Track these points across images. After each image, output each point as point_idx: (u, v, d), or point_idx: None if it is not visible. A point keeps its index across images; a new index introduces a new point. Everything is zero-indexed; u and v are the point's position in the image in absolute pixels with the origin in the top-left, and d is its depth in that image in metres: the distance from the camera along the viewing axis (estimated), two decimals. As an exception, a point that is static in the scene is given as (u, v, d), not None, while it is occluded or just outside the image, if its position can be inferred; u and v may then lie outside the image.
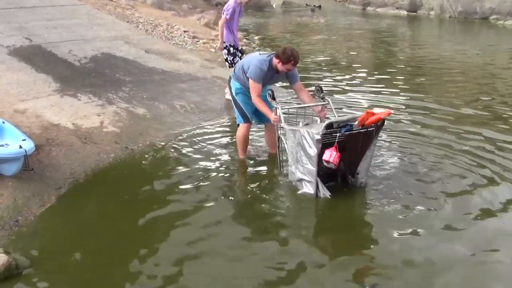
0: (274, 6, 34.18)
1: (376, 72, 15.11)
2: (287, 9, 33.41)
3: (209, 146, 8.78)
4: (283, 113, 7.60)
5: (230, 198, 7.17)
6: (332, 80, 13.75)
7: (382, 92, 12.42)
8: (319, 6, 34.76)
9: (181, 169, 7.98)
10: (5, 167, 6.91)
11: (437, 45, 20.56)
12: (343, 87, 12.97)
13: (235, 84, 8.00)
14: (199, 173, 7.81)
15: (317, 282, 5.37)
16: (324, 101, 7.83)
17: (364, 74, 14.68)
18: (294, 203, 7.05)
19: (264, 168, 8.15)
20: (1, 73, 10.73)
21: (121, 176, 7.67)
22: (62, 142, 8.32)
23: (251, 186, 7.48)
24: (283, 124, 7.42)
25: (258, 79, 7.53)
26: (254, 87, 7.56)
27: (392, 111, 8.02)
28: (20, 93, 9.87)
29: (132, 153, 8.48)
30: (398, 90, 12.52)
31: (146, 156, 8.38)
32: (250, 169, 8.10)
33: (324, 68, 15.43)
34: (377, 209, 6.76)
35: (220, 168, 8.01)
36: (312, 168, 6.88)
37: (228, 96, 8.09)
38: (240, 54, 11.07)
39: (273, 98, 7.53)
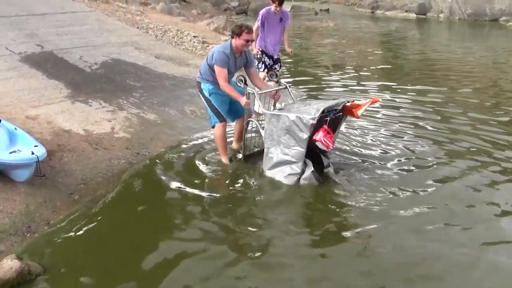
0: (288, 8, 34.23)
1: (385, 75, 15.12)
2: (296, 13, 33.43)
3: (229, 151, 8.78)
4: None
5: (242, 201, 7.21)
6: (341, 83, 13.78)
7: (391, 95, 12.45)
8: (327, 10, 34.76)
9: (193, 174, 7.99)
10: (17, 173, 6.95)
11: (446, 47, 20.53)
12: (352, 88, 13.00)
13: (206, 86, 8.18)
14: (212, 178, 7.87)
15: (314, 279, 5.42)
16: (281, 85, 8.47)
17: (373, 77, 14.69)
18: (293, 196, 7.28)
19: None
20: (13, 79, 10.80)
21: (132, 182, 7.69)
22: (73, 148, 8.36)
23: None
24: (262, 109, 7.82)
25: (223, 63, 7.82)
26: (220, 73, 7.83)
27: (379, 99, 8.40)
28: (31, 99, 9.92)
29: (143, 158, 8.50)
30: (407, 93, 12.54)
31: (157, 161, 8.40)
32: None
33: (333, 72, 15.46)
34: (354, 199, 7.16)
35: (230, 172, 8.07)
36: (302, 150, 7.35)
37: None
38: (268, 61, 10.94)
39: (246, 84, 7.91)
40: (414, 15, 30.61)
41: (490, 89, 13.20)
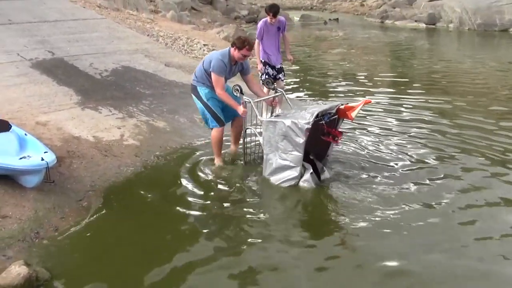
0: (296, 19, 34.25)
1: (394, 84, 15.11)
2: (306, 23, 33.45)
3: (228, 158, 8.82)
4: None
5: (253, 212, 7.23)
6: (349, 92, 13.78)
7: (400, 103, 12.46)
8: (337, 19, 34.77)
9: (199, 182, 8.01)
10: (27, 179, 6.99)
11: (456, 57, 20.51)
12: (360, 97, 13.00)
13: (203, 90, 8.31)
14: (218, 185, 7.88)
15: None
16: (277, 92, 8.73)
17: (381, 86, 14.68)
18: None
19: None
20: (24, 85, 10.86)
21: (141, 189, 7.70)
22: (83, 155, 8.41)
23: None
24: (259, 116, 8.03)
25: (221, 71, 8.00)
26: (218, 81, 7.99)
27: (372, 101, 8.52)
28: (42, 105, 9.98)
29: (152, 166, 8.54)
30: (415, 102, 12.53)
31: (166, 169, 8.43)
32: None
33: (342, 81, 15.47)
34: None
35: (233, 179, 8.09)
36: (299, 154, 7.51)
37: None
38: (272, 71, 10.88)
39: (242, 93, 8.03)
40: (424, 25, 30.54)
41: (499, 98, 13.16)
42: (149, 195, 7.54)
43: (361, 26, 32.05)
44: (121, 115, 10.11)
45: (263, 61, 10.87)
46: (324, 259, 6.02)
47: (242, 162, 8.55)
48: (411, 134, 10.09)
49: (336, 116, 7.84)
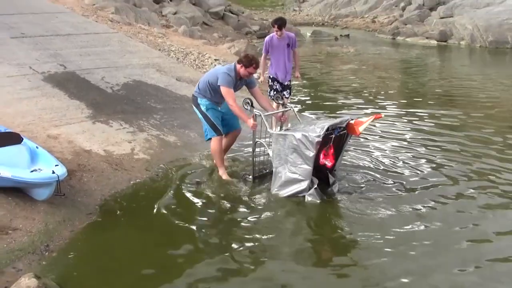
0: (308, 34, 34.28)
1: (404, 101, 15.10)
2: (317, 38, 33.48)
3: (238, 172, 8.83)
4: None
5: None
6: (359, 108, 13.77)
7: (411, 120, 12.44)
8: (348, 35, 34.79)
9: (211, 198, 8.01)
10: (37, 191, 7.01)
11: (467, 74, 20.46)
12: (371, 113, 13.00)
13: (204, 101, 8.47)
14: (228, 201, 7.87)
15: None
16: (287, 108, 8.91)
17: (392, 102, 14.65)
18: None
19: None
20: (36, 98, 10.91)
21: (151, 204, 7.69)
22: (93, 168, 8.43)
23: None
24: (269, 129, 8.09)
25: (230, 84, 8.16)
26: (228, 93, 8.11)
27: (383, 115, 8.46)
28: (53, 119, 10.02)
29: (162, 180, 8.54)
30: (425, 119, 12.51)
31: (176, 183, 8.42)
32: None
33: (352, 97, 15.45)
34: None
35: (246, 195, 8.08)
36: (309, 167, 7.56)
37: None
38: (279, 87, 10.93)
39: (252, 106, 8.12)
40: (435, 42, 30.50)
41: (508, 114, 13.14)
42: (158, 210, 7.52)
43: (372, 42, 32.06)
44: (132, 129, 10.13)
45: (271, 76, 10.92)
46: (332, 277, 6.01)
47: (249, 176, 8.55)
48: (421, 150, 10.11)
49: (345, 131, 7.87)
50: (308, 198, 7.67)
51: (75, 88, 11.89)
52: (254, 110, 8.15)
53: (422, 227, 7.05)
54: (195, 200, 7.90)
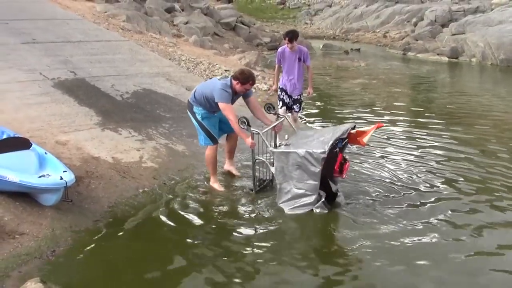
0: (319, 47, 34.28)
1: (414, 117, 15.04)
2: (328, 52, 33.47)
3: (246, 183, 8.83)
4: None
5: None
6: (369, 123, 13.73)
7: (419, 135, 12.42)
8: (358, 50, 34.79)
9: (218, 207, 8.03)
10: (45, 197, 7.02)
11: (477, 92, 20.40)
12: (378, 131, 13.03)
13: (199, 110, 8.47)
14: (236, 211, 7.91)
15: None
16: (280, 117, 8.85)
17: (401, 118, 14.60)
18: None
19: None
20: (46, 104, 10.92)
21: (158, 213, 7.72)
22: (101, 175, 8.43)
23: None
24: (270, 148, 8.00)
25: (228, 100, 8.09)
26: (228, 108, 8.06)
27: (383, 125, 8.52)
28: (62, 125, 10.03)
29: (169, 189, 8.54)
30: (434, 135, 12.48)
31: (184, 193, 8.43)
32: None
33: (361, 111, 15.41)
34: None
35: (249, 207, 8.12)
36: (316, 183, 7.52)
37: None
38: (288, 99, 10.92)
39: (249, 125, 8.05)
40: (446, 58, 30.43)
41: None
42: (164, 220, 7.55)
43: (383, 57, 32.03)
44: (140, 137, 10.13)
45: (280, 87, 10.96)
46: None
47: (251, 190, 8.56)
48: (430, 164, 10.10)
49: (347, 139, 7.85)
50: (316, 210, 7.65)
51: (84, 95, 11.90)
52: (252, 129, 8.10)
53: (431, 240, 7.04)
54: (202, 210, 7.91)
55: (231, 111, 8.05)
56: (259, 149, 8.34)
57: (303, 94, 11.29)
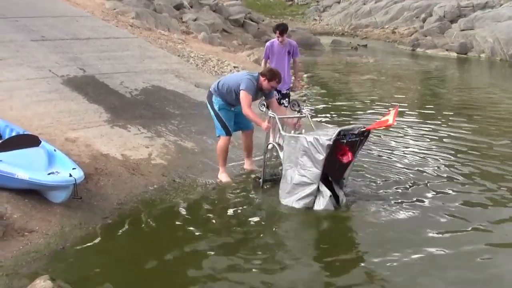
0: (329, 43, 34.20)
1: (422, 112, 15.00)
2: (336, 48, 33.46)
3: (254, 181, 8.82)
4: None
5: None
6: (377, 119, 13.68)
7: (428, 131, 12.42)
8: (365, 45, 34.73)
9: (227, 205, 8.03)
10: (54, 194, 7.03)
11: (485, 87, 20.34)
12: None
13: (218, 100, 8.66)
14: (244, 209, 7.88)
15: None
16: (302, 114, 8.81)
17: (409, 114, 14.57)
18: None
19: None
20: (55, 101, 10.93)
21: (166, 210, 7.72)
22: (110, 172, 8.43)
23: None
24: (282, 131, 8.14)
25: (251, 91, 8.29)
26: (246, 99, 8.25)
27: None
28: (71, 122, 10.03)
29: (178, 186, 8.53)
30: (442, 130, 12.46)
31: (193, 190, 8.42)
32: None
33: (370, 107, 15.42)
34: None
35: (255, 202, 8.19)
36: (318, 171, 7.53)
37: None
38: (277, 95, 10.14)
39: (267, 108, 8.37)
40: (455, 54, 30.35)
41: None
42: (173, 217, 7.53)
43: (392, 53, 31.99)
44: (149, 134, 10.13)
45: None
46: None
47: (259, 178, 8.62)
48: (436, 161, 10.07)
49: (357, 139, 7.76)
50: (321, 207, 7.66)
51: (93, 92, 11.90)
52: (269, 112, 8.32)
53: (442, 236, 7.04)
54: (209, 207, 7.90)
55: (247, 101, 8.23)
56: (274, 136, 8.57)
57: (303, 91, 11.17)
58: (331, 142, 7.30)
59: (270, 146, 8.54)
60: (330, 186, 7.87)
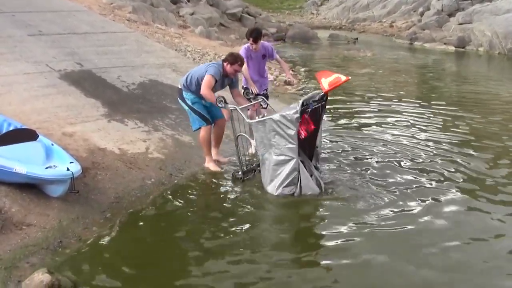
0: (326, 37, 34.21)
1: (419, 105, 15.01)
2: (334, 42, 33.48)
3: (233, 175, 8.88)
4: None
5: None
6: (375, 112, 13.74)
7: (424, 124, 12.47)
8: (356, 39, 34.76)
9: (223, 198, 8.11)
10: (52, 188, 7.05)
11: (484, 81, 20.36)
12: (385, 116, 13.05)
13: (189, 95, 8.87)
14: (241, 202, 7.94)
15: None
16: (258, 99, 9.45)
17: (406, 107, 14.59)
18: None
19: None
20: (52, 96, 10.92)
21: (164, 203, 7.76)
22: (107, 166, 8.45)
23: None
24: (247, 120, 8.41)
25: (216, 76, 8.50)
26: (208, 81, 8.44)
27: (350, 78, 8.65)
28: (69, 116, 10.04)
29: (175, 180, 8.57)
30: (439, 123, 12.51)
31: (190, 183, 8.48)
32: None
33: (367, 101, 15.41)
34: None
35: (238, 194, 8.28)
36: (294, 145, 7.73)
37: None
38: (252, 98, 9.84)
39: (226, 103, 8.34)
40: (453, 48, 30.35)
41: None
42: (171, 210, 7.61)
43: (389, 47, 31.99)
44: (147, 128, 10.16)
45: (244, 86, 10.21)
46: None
47: (238, 172, 8.71)
48: (430, 153, 10.15)
49: (319, 105, 8.08)
50: (308, 192, 7.85)
51: (91, 87, 11.90)
52: (229, 105, 8.37)
53: (432, 227, 7.15)
54: (207, 201, 7.98)
55: (208, 84, 8.42)
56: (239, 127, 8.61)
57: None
58: (298, 114, 7.52)
59: (239, 138, 8.65)
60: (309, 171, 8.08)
